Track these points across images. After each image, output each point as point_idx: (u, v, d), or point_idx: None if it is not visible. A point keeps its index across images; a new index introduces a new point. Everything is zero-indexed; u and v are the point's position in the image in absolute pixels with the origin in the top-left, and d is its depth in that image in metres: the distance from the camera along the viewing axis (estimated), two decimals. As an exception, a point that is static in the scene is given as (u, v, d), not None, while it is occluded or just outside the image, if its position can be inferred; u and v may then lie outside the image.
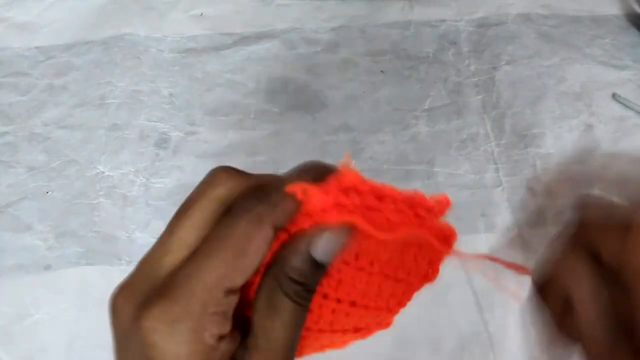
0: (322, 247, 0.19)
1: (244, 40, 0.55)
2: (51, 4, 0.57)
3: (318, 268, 0.20)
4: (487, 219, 0.46)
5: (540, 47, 0.55)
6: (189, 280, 0.18)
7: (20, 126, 0.49)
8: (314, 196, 0.19)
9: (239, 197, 0.20)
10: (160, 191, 0.46)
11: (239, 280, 0.18)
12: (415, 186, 0.47)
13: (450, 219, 0.48)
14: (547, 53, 0.55)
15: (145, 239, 0.44)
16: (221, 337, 0.18)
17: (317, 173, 0.20)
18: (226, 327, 0.19)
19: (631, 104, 0.51)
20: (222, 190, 0.20)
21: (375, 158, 0.48)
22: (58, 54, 0.54)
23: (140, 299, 0.18)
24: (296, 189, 0.19)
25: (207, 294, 0.18)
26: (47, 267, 0.43)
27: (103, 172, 0.47)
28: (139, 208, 0.46)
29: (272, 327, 0.19)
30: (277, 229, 0.19)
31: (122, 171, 0.47)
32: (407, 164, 0.48)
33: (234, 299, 0.19)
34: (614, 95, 0.52)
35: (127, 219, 0.45)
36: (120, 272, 0.42)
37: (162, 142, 0.49)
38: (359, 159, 0.48)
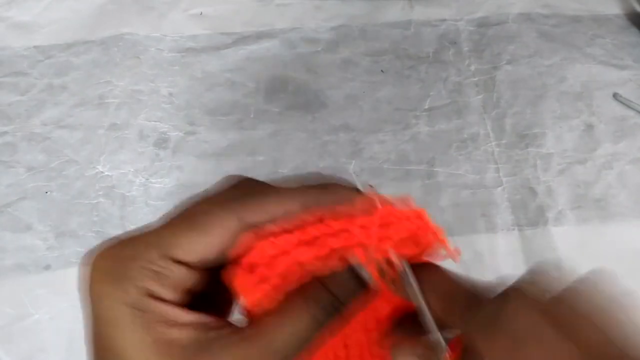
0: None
1: (244, 40, 0.55)
2: (50, 4, 0.57)
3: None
4: (487, 219, 0.46)
5: (540, 47, 0.55)
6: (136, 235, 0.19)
7: (20, 126, 0.49)
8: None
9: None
10: (159, 191, 0.46)
11: (185, 255, 0.19)
12: (415, 186, 0.47)
13: (450, 218, 0.48)
14: (548, 53, 0.55)
15: (145, 239, 0.44)
16: (164, 301, 0.19)
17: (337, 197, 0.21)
18: (165, 293, 0.19)
19: (632, 104, 0.51)
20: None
21: (375, 158, 0.48)
22: (57, 53, 0.54)
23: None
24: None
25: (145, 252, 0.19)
26: (47, 267, 0.43)
27: (102, 172, 0.47)
28: (139, 208, 0.46)
29: None
30: (248, 226, 0.20)
31: (121, 171, 0.47)
32: (407, 164, 0.48)
33: (180, 271, 0.19)
34: (614, 95, 0.52)
35: (127, 218, 0.45)
36: (119, 272, 0.42)
37: (161, 142, 0.49)
38: (359, 159, 0.48)
